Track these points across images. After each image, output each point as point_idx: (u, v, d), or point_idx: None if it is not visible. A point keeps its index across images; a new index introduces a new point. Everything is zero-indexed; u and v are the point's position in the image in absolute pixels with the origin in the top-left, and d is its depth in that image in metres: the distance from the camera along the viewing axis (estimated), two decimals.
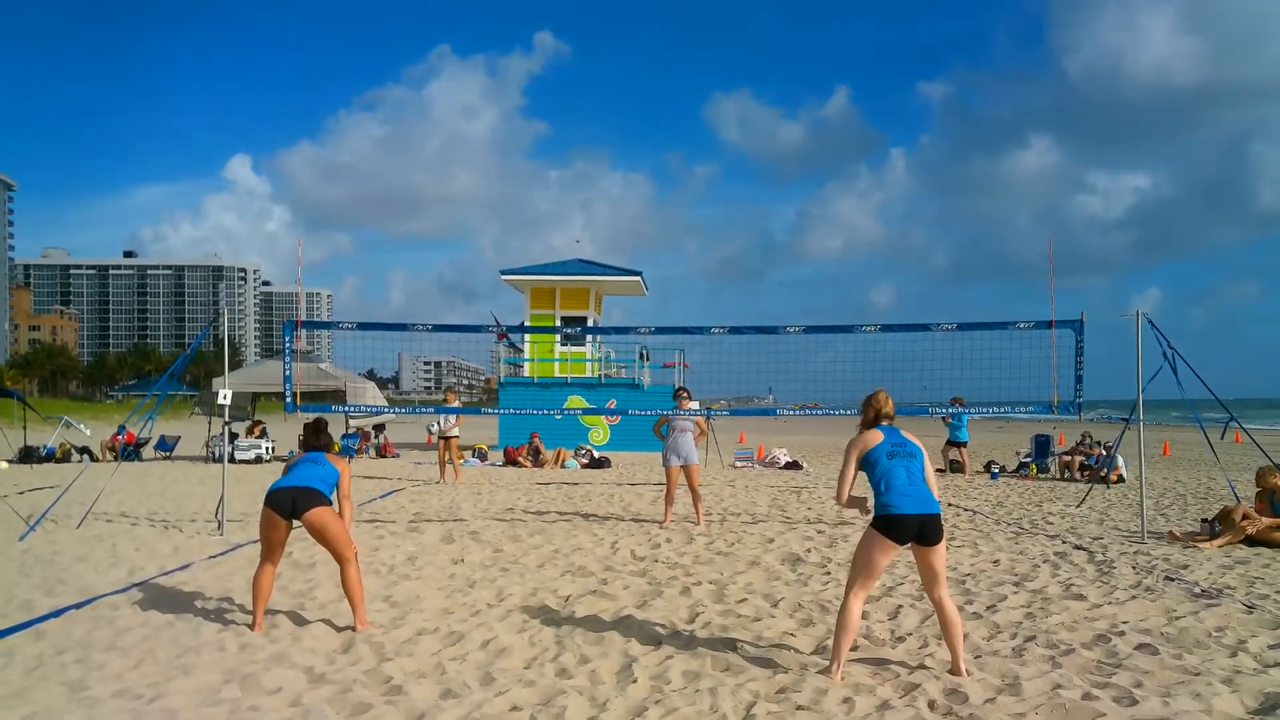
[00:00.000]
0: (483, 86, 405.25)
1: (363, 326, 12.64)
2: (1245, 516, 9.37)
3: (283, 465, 6.43)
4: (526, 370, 27.78)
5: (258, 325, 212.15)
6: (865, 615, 6.39)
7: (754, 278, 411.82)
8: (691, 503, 11.31)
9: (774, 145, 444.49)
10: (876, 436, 5.20)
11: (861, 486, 5.12)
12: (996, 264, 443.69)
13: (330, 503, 6.09)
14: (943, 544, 5.06)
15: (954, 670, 5.09)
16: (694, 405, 11.66)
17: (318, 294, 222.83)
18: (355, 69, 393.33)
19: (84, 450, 21.91)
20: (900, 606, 6.66)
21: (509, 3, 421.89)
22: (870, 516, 5.10)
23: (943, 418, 18.05)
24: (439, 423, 17.04)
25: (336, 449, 5.99)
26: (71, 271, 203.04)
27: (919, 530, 4.96)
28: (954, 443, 19.30)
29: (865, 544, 5.08)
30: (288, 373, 11.90)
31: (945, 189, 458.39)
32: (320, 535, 6.02)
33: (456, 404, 18.08)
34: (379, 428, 24.63)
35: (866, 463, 5.16)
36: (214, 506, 10.85)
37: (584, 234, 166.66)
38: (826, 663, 5.24)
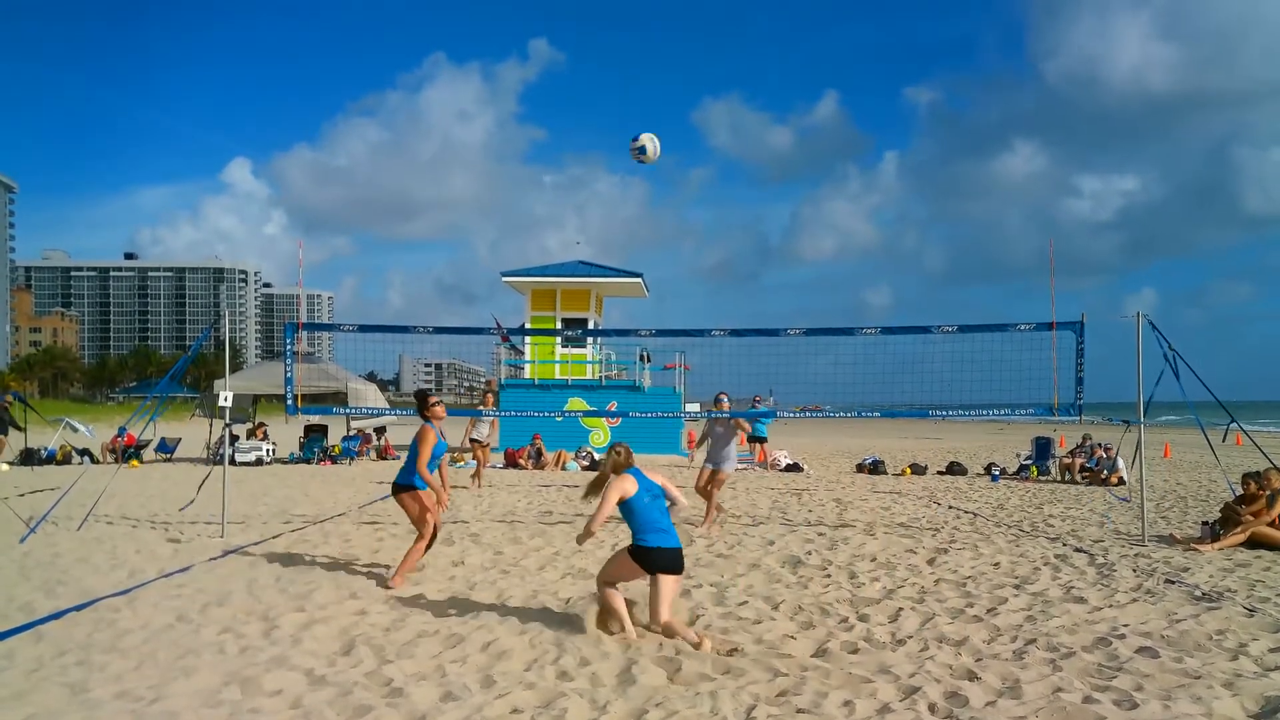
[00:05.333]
0: (478, 93, 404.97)
1: (364, 329, 12.66)
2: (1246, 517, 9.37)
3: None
4: (527, 372, 27.78)
5: (259, 327, 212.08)
6: (865, 618, 6.41)
7: (750, 280, 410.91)
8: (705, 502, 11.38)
9: (765, 149, 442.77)
10: (633, 483, 5.99)
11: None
12: (989, 266, 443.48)
13: (411, 486, 7.57)
14: (680, 576, 6.00)
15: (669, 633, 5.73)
16: (726, 408, 11.72)
17: (318, 296, 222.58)
18: (351, 74, 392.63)
19: (84, 452, 21.92)
20: (900, 609, 6.67)
21: (503, 12, 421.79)
22: (585, 541, 6.24)
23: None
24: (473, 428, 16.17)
25: (433, 415, 7.95)
26: (72, 273, 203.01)
27: (669, 562, 5.83)
28: (754, 438, 20.52)
29: (621, 561, 5.98)
30: (289, 374, 11.91)
31: (936, 192, 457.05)
32: (405, 513, 7.76)
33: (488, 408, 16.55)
34: (380, 430, 24.63)
35: (626, 506, 5.96)
36: (216, 509, 10.84)
37: (580, 237, 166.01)
38: (828, 666, 5.26)
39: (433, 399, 7.97)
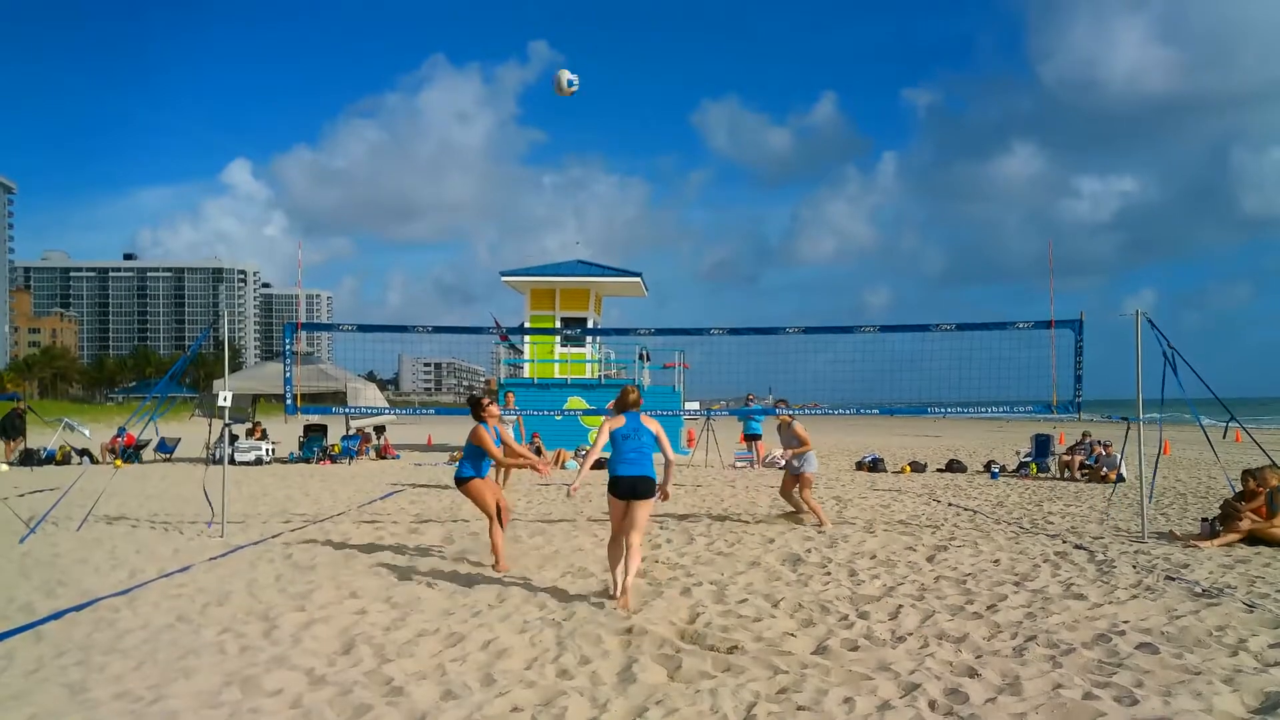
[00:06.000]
0: (477, 94, 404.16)
1: (363, 328, 12.67)
2: (1244, 516, 9.36)
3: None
4: (526, 371, 27.78)
5: (258, 327, 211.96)
6: (865, 615, 6.42)
7: (748, 281, 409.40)
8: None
9: (764, 150, 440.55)
10: (620, 420, 6.78)
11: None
12: (988, 268, 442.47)
13: (472, 475, 8.16)
14: (650, 501, 6.69)
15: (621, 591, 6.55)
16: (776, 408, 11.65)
17: (317, 296, 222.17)
18: (351, 76, 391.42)
19: (84, 452, 21.91)
20: (900, 606, 6.67)
21: (503, 13, 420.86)
22: (574, 492, 6.82)
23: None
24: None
25: (491, 413, 8.36)
26: (71, 274, 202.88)
27: (628, 488, 6.58)
28: (750, 435, 21.08)
29: (609, 505, 6.69)
30: (288, 374, 11.90)
31: (935, 193, 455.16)
32: (472, 501, 8.35)
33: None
34: (379, 429, 24.63)
35: (610, 442, 6.75)
36: (216, 508, 10.84)
37: (579, 238, 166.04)
38: (828, 663, 5.26)
39: (485, 400, 8.49)
